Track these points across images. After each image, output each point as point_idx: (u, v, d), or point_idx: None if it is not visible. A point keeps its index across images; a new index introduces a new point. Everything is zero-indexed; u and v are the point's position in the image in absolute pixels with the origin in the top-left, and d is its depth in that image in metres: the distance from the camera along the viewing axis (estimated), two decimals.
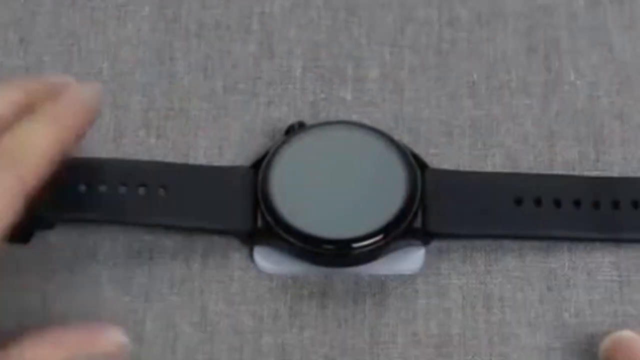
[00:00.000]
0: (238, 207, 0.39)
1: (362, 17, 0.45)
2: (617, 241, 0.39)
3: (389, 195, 0.38)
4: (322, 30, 0.45)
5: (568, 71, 0.44)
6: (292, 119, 0.43)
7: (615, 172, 0.41)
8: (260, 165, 0.39)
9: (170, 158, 0.42)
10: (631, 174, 0.41)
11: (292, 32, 0.45)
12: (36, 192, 0.33)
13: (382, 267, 0.38)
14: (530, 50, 0.44)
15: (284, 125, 0.43)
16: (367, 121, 0.42)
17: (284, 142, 0.39)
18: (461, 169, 0.41)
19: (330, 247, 0.37)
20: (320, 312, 0.39)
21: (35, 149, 0.33)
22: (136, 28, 0.45)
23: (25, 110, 0.34)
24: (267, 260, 0.39)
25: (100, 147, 0.42)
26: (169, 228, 0.39)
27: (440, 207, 0.38)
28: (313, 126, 0.40)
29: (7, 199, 0.31)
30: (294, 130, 0.40)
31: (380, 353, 0.38)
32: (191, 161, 0.42)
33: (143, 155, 0.42)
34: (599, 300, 0.39)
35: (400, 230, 0.37)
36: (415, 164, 0.39)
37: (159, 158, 0.42)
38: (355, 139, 0.39)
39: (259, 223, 0.38)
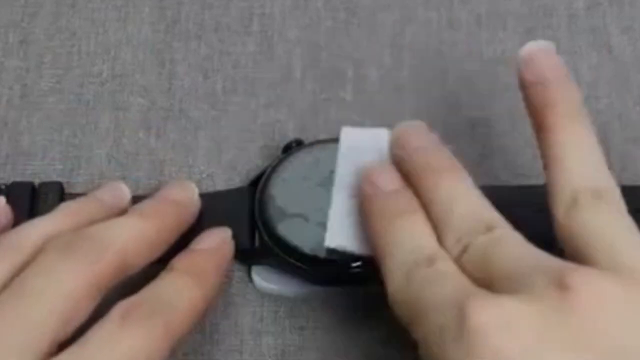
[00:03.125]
0: (235, 227, 0.38)
1: (362, 18, 0.45)
2: None
3: None
4: (322, 31, 0.45)
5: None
6: (292, 119, 0.43)
7: (614, 173, 0.41)
8: (258, 184, 0.39)
9: (169, 158, 0.42)
10: (631, 175, 0.41)
11: (292, 33, 0.45)
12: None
13: (381, 286, 0.38)
14: None
15: (283, 127, 0.43)
16: (367, 122, 0.42)
17: (281, 161, 0.39)
18: None
19: (328, 266, 0.37)
20: (319, 313, 0.39)
21: (185, 305, 0.33)
22: (136, 29, 0.45)
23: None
24: (265, 279, 0.39)
25: (101, 147, 0.42)
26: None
27: None
28: (310, 144, 0.40)
29: (159, 345, 0.31)
30: (292, 148, 0.40)
31: (379, 354, 0.38)
32: (191, 162, 0.42)
33: (143, 156, 0.42)
34: None
35: None
36: None
37: (159, 159, 0.42)
38: None
39: (257, 243, 0.38)
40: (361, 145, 0.38)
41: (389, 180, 0.35)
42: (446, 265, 0.31)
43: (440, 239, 0.32)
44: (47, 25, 0.45)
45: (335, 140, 0.40)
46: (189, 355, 0.38)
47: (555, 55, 0.35)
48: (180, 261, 0.35)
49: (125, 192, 0.38)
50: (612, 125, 0.43)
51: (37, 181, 0.40)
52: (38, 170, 0.42)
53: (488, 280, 0.30)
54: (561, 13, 0.45)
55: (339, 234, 0.36)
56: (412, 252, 0.32)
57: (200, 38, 0.45)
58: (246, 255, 0.39)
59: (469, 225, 0.32)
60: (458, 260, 0.31)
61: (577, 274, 0.28)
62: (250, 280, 0.39)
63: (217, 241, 0.36)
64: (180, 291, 0.33)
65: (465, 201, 0.33)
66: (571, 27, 0.45)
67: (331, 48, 0.45)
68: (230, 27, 0.45)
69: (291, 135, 0.41)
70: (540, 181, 0.41)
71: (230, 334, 0.38)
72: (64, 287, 0.31)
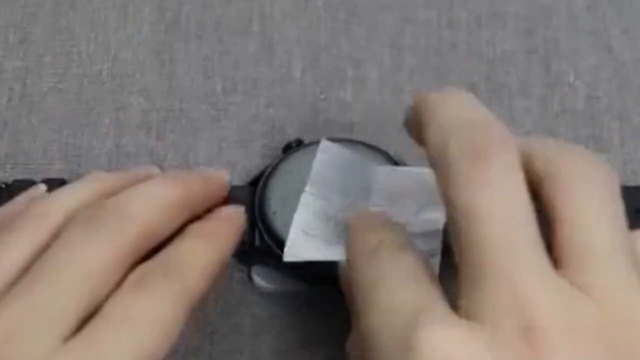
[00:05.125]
0: None
1: (361, 18, 0.45)
2: None
3: None
4: (322, 31, 0.45)
5: (567, 72, 0.44)
6: (292, 119, 0.43)
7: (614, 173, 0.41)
8: (258, 184, 0.39)
9: (169, 158, 0.42)
10: (631, 175, 0.41)
11: (292, 33, 0.45)
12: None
13: None
14: (530, 51, 0.45)
15: (283, 126, 0.43)
16: (367, 122, 0.42)
17: (281, 160, 0.39)
18: None
19: (328, 266, 0.37)
20: (320, 313, 0.39)
21: (199, 265, 0.33)
22: (136, 29, 0.45)
23: (185, 211, 0.34)
24: (265, 279, 0.39)
25: (101, 147, 0.42)
26: None
27: None
28: (310, 144, 0.40)
29: (175, 307, 0.31)
30: (292, 148, 0.40)
31: None
32: (191, 162, 0.42)
33: (143, 156, 0.42)
34: None
35: None
36: None
37: (158, 158, 0.42)
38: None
39: (257, 242, 0.38)
40: (336, 162, 0.38)
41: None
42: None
43: None
44: (47, 25, 0.45)
45: (335, 140, 0.40)
46: (189, 356, 0.38)
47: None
48: (193, 227, 0.34)
49: (157, 171, 0.37)
50: (612, 125, 0.43)
51: (37, 180, 0.40)
52: (38, 170, 0.42)
53: None
54: (561, 13, 0.45)
55: (298, 250, 0.37)
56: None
57: (200, 38, 0.45)
58: (246, 255, 0.39)
59: None
60: None
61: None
62: (250, 280, 0.39)
63: (229, 212, 0.36)
64: (193, 254, 0.33)
65: None
66: (571, 27, 0.45)
67: (331, 48, 0.45)
68: (230, 27, 0.45)
69: (291, 135, 0.41)
70: None
71: (230, 334, 0.38)
72: (87, 265, 0.30)
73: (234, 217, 0.36)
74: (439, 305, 0.27)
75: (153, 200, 0.33)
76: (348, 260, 0.32)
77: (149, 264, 0.32)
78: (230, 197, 0.39)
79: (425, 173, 0.36)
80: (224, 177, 0.37)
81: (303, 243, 0.36)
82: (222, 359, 0.38)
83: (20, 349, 0.28)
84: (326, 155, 0.38)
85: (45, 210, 0.33)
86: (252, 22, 0.45)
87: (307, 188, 0.37)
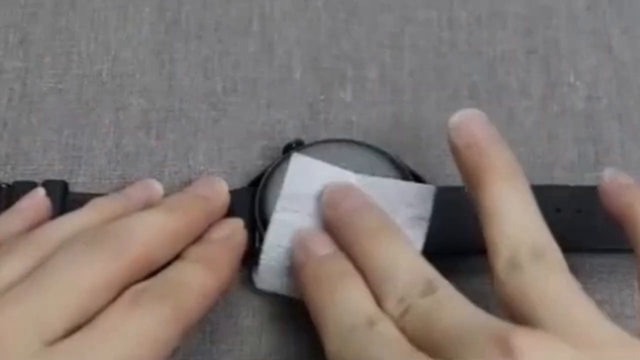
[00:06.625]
0: None
1: (361, 18, 0.45)
2: (617, 251, 0.39)
3: None
4: (322, 32, 0.45)
5: (567, 72, 0.44)
6: (292, 119, 0.43)
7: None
8: (258, 185, 0.39)
9: (169, 158, 0.42)
10: (631, 176, 0.41)
11: (292, 33, 0.45)
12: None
13: None
14: (530, 51, 0.45)
15: (283, 127, 0.43)
16: (367, 122, 0.42)
17: (281, 161, 0.39)
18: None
19: None
20: None
21: (196, 289, 0.33)
22: (136, 29, 0.45)
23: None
24: (265, 280, 0.39)
25: (100, 148, 0.42)
26: None
27: (439, 225, 0.38)
28: (311, 145, 0.40)
29: (168, 327, 0.31)
30: (292, 148, 0.40)
31: None
32: (191, 162, 0.42)
33: (143, 156, 0.42)
34: (598, 302, 0.38)
35: None
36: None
37: (159, 159, 0.42)
38: (353, 157, 0.39)
39: (257, 243, 0.38)
40: (309, 175, 0.38)
41: (322, 245, 0.35)
42: (386, 328, 0.31)
43: (380, 302, 0.32)
44: (47, 25, 0.45)
45: (336, 140, 0.40)
46: (189, 355, 0.38)
47: (484, 119, 0.34)
48: (191, 250, 0.35)
49: (157, 189, 0.38)
50: (612, 125, 0.43)
51: (37, 181, 0.40)
52: (38, 170, 0.42)
53: (429, 344, 0.29)
54: (561, 13, 0.45)
55: (269, 279, 0.38)
56: (350, 314, 0.32)
57: (200, 38, 0.45)
58: (246, 255, 0.39)
59: (409, 286, 0.31)
60: (399, 322, 0.31)
61: (521, 336, 0.27)
62: (250, 280, 0.39)
63: (228, 231, 0.36)
64: (190, 276, 0.33)
65: (403, 262, 0.33)
66: (571, 27, 0.45)
67: (331, 48, 0.45)
68: (230, 27, 0.45)
69: (291, 135, 0.41)
70: (540, 181, 0.41)
71: (230, 334, 0.38)
72: (82, 281, 0.31)
73: (233, 237, 0.36)
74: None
75: (154, 227, 0.33)
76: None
77: (146, 283, 0.32)
78: (230, 200, 0.39)
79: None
80: (224, 193, 0.38)
81: (274, 275, 0.38)
82: (222, 359, 0.38)
83: (4, 350, 0.29)
84: (298, 169, 0.38)
85: (45, 237, 0.34)
86: (252, 22, 0.45)
87: (279, 204, 0.37)
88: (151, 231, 0.33)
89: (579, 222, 0.38)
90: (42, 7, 0.46)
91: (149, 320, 0.31)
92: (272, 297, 0.39)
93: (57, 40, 0.45)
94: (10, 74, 0.44)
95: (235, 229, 0.37)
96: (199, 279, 0.33)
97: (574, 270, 0.31)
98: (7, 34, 0.45)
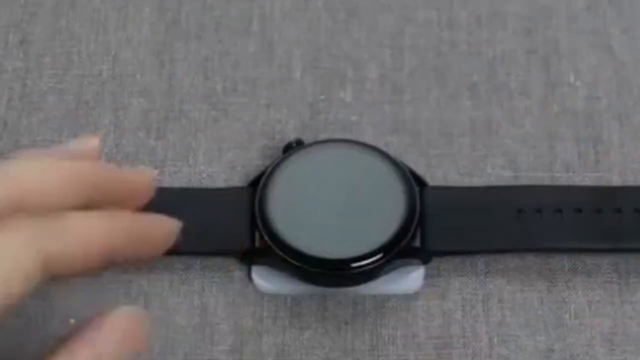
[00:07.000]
0: (236, 227, 0.38)
1: (361, 18, 0.45)
2: (619, 251, 0.39)
3: (387, 214, 0.37)
4: (322, 32, 0.45)
5: (567, 72, 0.44)
6: (292, 119, 0.43)
7: (615, 174, 0.41)
8: (258, 184, 0.39)
9: (169, 159, 0.42)
10: (631, 175, 0.41)
11: (292, 33, 0.45)
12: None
13: (382, 287, 0.38)
14: (530, 51, 0.45)
15: (283, 127, 0.43)
16: (367, 122, 0.42)
17: (281, 161, 0.39)
18: (461, 171, 0.41)
19: (328, 267, 0.37)
20: (320, 313, 0.39)
21: (77, 232, 0.29)
22: (136, 29, 0.45)
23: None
24: (265, 280, 0.39)
25: (100, 148, 0.42)
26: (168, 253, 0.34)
27: (440, 225, 0.38)
28: (311, 144, 0.40)
29: (20, 259, 0.28)
30: (292, 148, 0.40)
31: (380, 354, 0.38)
32: (191, 162, 0.42)
33: (143, 156, 0.42)
34: (599, 302, 0.39)
35: (399, 250, 0.37)
36: (413, 182, 0.39)
37: (159, 159, 0.42)
38: (353, 157, 0.39)
39: (257, 243, 0.38)
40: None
41: None
42: None
43: None
44: (47, 25, 0.45)
45: (336, 140, 0.40)
46: (189, 355, 0.38)
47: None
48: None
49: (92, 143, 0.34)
50: (612, 125, 0.43)
51: None
52: None
53: None
54: (561, 13, 0.45)
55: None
56: None
57: (200, 38, 0.45)
58: (246, 255, 0.39)
59: None
60: None
61: None
62: (250, 280, 0.39)
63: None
64: (78, 223, 0.29)
65: None
66: (571, 27, 0.45)
67: (331, 48, 0.45)
68: (230, 27, 0.45)
69: (291, 135, 0.41)
70: (540, 181, 0.41)
71: (230, 334, 0.38)
72: None
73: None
74: None
75: (37, 163, 0.30)
76: None
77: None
78: (229, 198, 0.39)
79: None
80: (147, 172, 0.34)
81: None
82: (222, 359, 0.38)
83: None
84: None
85: None
86: (252, 22, 0.45)
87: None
88: (33, 166, 0.29)
89: (579, 222, 0.38)
90: (42, 7, 0.46)
91: (9, 241, 0.27)
92: (272, 297, 0.39)
93: (57, 40, 0.45)
94: (10, 74, 0.44)
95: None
96: (89, 230, 0.29)
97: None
98: (7, 34, 0.45)
